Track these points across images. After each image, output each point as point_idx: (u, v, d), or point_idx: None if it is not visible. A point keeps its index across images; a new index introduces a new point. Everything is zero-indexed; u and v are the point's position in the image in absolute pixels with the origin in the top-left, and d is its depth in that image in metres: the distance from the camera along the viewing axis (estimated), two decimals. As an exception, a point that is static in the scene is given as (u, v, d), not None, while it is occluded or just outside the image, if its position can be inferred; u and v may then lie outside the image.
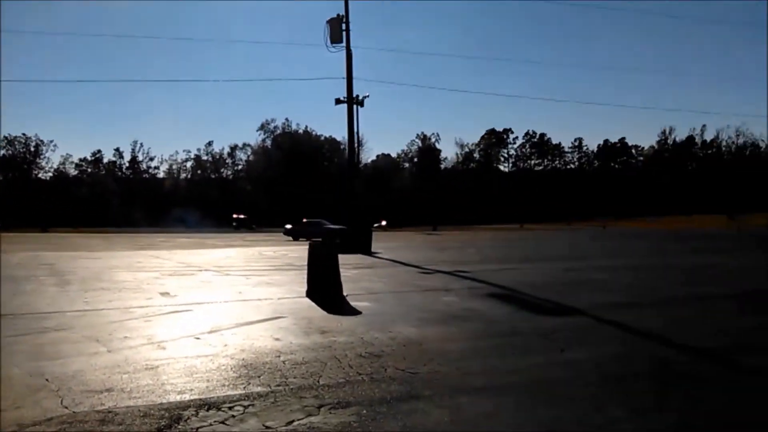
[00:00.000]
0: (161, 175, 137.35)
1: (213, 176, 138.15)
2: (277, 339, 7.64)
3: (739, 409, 5.00)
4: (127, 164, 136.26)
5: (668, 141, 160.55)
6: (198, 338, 7.71)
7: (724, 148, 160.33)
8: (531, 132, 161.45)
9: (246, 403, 5.04)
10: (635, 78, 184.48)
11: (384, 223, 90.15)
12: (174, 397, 5.21)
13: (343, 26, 27.19)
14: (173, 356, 6.72)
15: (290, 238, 47.34)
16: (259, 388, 5.48)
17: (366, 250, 26.58)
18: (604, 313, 9.50)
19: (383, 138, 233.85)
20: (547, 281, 14.45)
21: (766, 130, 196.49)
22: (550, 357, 6.64)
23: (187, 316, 9.52)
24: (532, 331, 8.04)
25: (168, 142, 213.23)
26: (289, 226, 51.45)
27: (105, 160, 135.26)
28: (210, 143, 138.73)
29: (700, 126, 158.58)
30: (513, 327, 8.36)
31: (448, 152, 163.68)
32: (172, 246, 34.31)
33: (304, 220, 52.38)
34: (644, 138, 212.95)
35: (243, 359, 6.55)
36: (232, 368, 6.19)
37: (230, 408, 4.93)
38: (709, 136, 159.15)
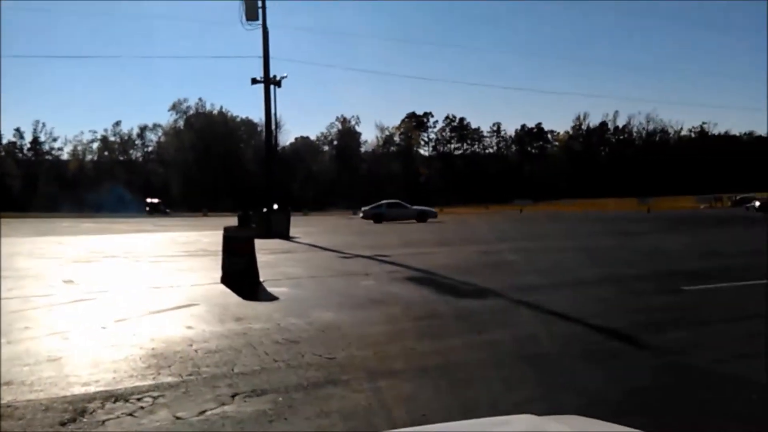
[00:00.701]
0: (65, 156, 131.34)
1: (121, 158, 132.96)
2: (189, 327, 7.39)
3: (645, 383, 5.16)
4: (29, 145, 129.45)
5: (582, 127, 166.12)
6: (104, 328, 7.37)
7: (635, 134, 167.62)
8: (451, 116, 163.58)
9: (155, 394, 4.82)
10: (552, 64, 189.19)
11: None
12: (78, 390, 4.94)
13: (259, 3, 26.49)
14: (77, 347, 6.40)
15: (370, 221, 42.80)
16: (169, 378, 5.25)
17: (284, 235, 26.23)
18: (520, 294, 9.67)
19: (303, 120, 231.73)
20: (465, 264, 14.62)
21: (673, 116, 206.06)
22: (467, 339, 6.68)
23: (92, 305, 9.10)
24: (450, 314, 8.10)
25: (73, 122, 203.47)
26: (366, 208, 46.47)
27: (4, 141, 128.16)
28: (118, 123, 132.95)
29: (613, 112, 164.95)
30: (431, 310, 8.39)
31: (369, 135, 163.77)
32: (77, 231, 32.77)
33: (384, 201, 47.17)
34: (560, 123, 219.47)
35: (153, 348, 6.28)
36: (140, 358, 5.92)
37: (139, 399, 4.71)
38: (621, 122, 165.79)
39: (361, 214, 46.78)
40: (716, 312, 8.25)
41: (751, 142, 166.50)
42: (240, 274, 10.94)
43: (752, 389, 4.86)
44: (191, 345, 6.45)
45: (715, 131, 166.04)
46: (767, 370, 5.41)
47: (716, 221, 42.63)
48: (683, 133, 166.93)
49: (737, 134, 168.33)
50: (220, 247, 11.89)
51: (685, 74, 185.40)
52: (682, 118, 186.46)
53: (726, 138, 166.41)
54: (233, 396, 4.79)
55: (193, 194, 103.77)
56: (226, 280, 11.06)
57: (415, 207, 44.85)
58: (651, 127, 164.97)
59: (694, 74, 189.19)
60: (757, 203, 69.06)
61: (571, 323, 7.58)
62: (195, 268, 14.10)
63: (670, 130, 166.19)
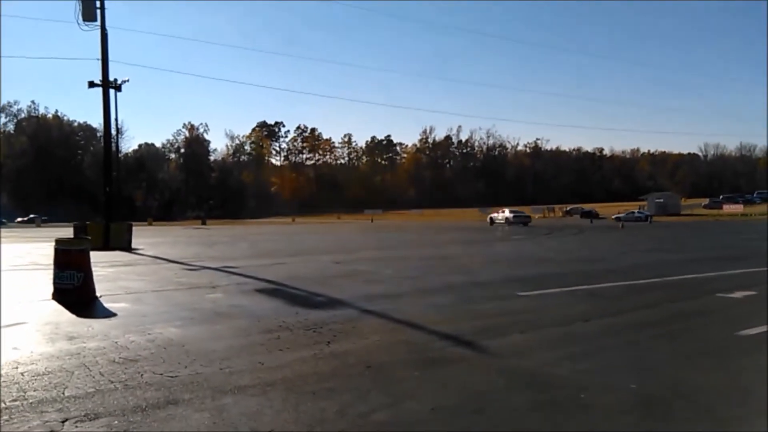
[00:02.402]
0: None
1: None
2: (15, 348, 6.76)
3: (482, 387, 5.41)
4: None
5: (429, 140, 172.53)
6: None
7: (476, 148, 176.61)
8: (302, 126, 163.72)
9: (-29, 425, 4.36)
10: (400, 78, 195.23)
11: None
12: None
13: (98, 3, 24.99)
14: None
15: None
16: (-12, 406, 4.77)
17: (126, 247, 24.91)
18: (368, 303, 9.82)
19: (147, 127, 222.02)
20: (316, 275, 14.63)
21: (511, 132, 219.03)
22: (317, 350, 6.66)
23: None
24: (300, 326, 8.03)
25: None
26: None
27: None
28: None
29: (457, 127, 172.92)
30: (281, 322, 8.27)
31: (218, 144, 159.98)
32: None
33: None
34: (408, 136, 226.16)
35: (-30, 374, 5.68)
36: (-46, 386, 5.33)
37: (-51, 433, 4.23)
38: (464, 137, 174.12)
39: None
40: (547, 316, 8.82)
41: (579, 157, 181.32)
42: (73, 290, 10.18)
43: (580, 388, 5.23)
44: (17, 368, 5.92)
45: (548, 146, 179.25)
46: (591, 371, 5.87)
47: (549, 229, 45.92)
48: (519, 147, 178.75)
49: (566, 149, 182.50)
50: (52, 260, 11.03)
51: (520, 93, 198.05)
52: (519, 134, 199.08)
53: (557, 153, 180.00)
54: (63, 422, 4.44)
55: (26, 203, 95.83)
56: (58, 296, 10.25)
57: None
58: (491, 141, 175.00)
59: (529, 94, 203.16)
60: (582, 212, 77.89)
61: (416, 330, 7.78)
62: (24, 284, 12.99)
63: (508, 145, 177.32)
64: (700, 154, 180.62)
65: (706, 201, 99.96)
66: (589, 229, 47.42)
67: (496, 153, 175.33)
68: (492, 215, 65.25)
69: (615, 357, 6.42)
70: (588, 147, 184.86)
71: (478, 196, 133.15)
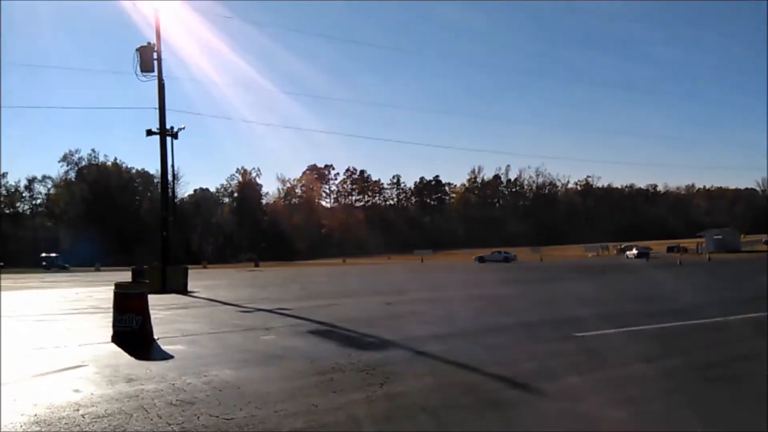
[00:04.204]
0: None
1: (8, 211, 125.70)
2: (76, 390, 6.92)
3: (540, 430, 5.27)
4: None
5: (477, 179, 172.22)
6: (-20, 394, 6.77)
7: (525, 187, 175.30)
8: (352, 168, 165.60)
9: (35, 467, 4.46)
10: (447, 118, 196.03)
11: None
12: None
13: (154, 55, 26.04)
14: (-53, 418, 5.82)
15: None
16: (51, 448, 4.88)
17: (182, 290, 25.38)
18: (420, 345, 9.73)
19: (202, 172, 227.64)
20: (368, 316, 14.62)
21: (561, 170, 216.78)
22: (370, 392, 6.62)
23: (-32, 370, 8.36)
24: (352, 367, 8.01)
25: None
26: None
27: None
28: (4, 175, 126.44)
29: (505, 166, 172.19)
30: (334, 363, 8.27)
31: (270, 187, 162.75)
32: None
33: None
34: (456, 176, 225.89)
35: (35, 415, 5.83)
36: (21, 426, 5.47)
37: (16, 474, 4.33)
38: (513, 175, 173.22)
39: None
40: (604, 357, 8.59)
41: (631, 194, 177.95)
42: (132, 333, 10.41)
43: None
44: (78, 410, 6.04)
45: (599, 184, 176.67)
46: (653, 415, 5.67)
47: (603, 269, 44.87)
48: (570, 185, 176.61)
49: (619, 186, 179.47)
50: (111, 304, 11.32)
51: (570, 131, 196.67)
52: (569, 172, 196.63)
53: (609, 190, 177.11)
54: (123, 464, 4.50)
55: (85, 248, 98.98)
56: (117, 338, 10.49)
57: None
58: (540, 180, 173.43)
59: (578, 131, 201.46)
60: (635, 251, 76.99)
61: (470, 372, 7.67)
62: (84, 327, 13.33)
63: (558, 183, 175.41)
64: (758, 188, 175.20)
65: (766, 237, 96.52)
66: (645, 267, 46.22)
67: (546, 191, 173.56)
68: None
69: (677, 400, 6.19)
70: (641, 183, 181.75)
71: (528, 235, 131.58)
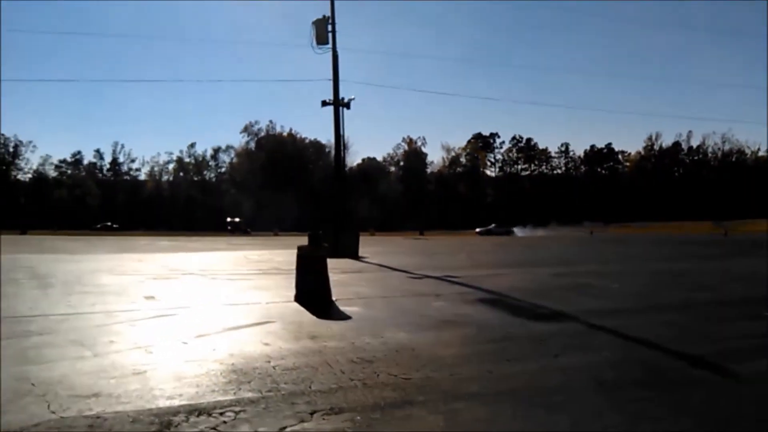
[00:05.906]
0: (142, 177, 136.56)
1: (196, 178, 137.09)
2: (266, 344, 7.53)
3: (727, 413, 4.97)
4: (108, 166, 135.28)
5: (654, 147, 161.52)
6: (185, 343, 7.58)
7: (710, 155, 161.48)
8: (518, 136, 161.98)
9: (237, 409, 4.94)
10: (621, 83, 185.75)
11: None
12: (163, 403, 5.10)
13: (329, 27, 27.05)
14: (160, 361, 6.59)
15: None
16: (249, 394, 5.37)
17: (353, 255, 26.46)
18: (595, 318, 9.46)
19: (369, 141, 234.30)
20: (537, 287, 14.41)
21: (750, 136, 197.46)
22: (543, 363, 6.58)
23: (173, 321, 9.37)
24: (524, 337, 7.99)
25: (150, 144, 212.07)
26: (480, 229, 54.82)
27: (85, 162, 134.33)
28: (193, 145, 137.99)
29: (686, 132, 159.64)
30: (505, 332, 8.29)
31: (435, 156, 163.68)
32: (154, 249, 33.93)
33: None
34: (631, 144, 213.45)
35: (232, 364, 6.43)
36: (221, 373, 6.07)
37: (221, 414, 4.83)
38: (695, 142, 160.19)
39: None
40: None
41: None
42: (313, 293, 11.10)
43: None
44: (269, 361, 6.58)
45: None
46: None
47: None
48: (761, 153, 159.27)
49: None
50: (292, 266, 12.11)
51: (761, 92, 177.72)
52: (759, 139, 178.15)
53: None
54: (312, 413, 4.85)
55: (263, 214, 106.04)
56: (299, 298, 11.24)
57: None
58: (727, 147, 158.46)
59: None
60: None
61: (650, 349, 7.36)
62: (269, 286, 14.36)
63: (747, 151, 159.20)
64: None
65: None
66: None
67: (733, 159, 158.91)
68: None
69: None
70: None
71: (711, 207, 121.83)
